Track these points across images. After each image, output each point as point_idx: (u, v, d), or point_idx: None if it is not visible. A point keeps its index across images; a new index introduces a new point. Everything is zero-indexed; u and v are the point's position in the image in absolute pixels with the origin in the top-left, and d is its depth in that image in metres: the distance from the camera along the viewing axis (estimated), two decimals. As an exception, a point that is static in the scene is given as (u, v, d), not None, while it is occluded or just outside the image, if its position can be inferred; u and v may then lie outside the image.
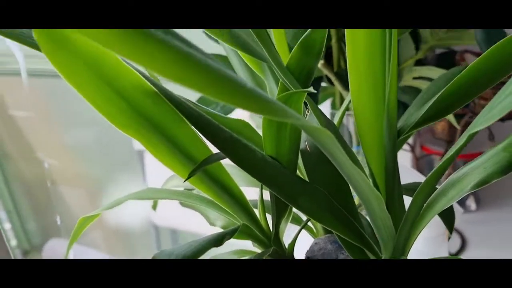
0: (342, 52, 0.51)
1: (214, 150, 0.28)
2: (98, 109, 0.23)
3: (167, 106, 0.25)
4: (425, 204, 0.26)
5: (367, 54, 0.23)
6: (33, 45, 0.22)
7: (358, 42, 0.23)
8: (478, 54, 0.58)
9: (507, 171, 0.26)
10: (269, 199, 0.31)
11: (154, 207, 0.47)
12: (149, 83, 0.24)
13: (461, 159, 0.71)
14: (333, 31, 0.50)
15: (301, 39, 0.30)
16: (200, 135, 0.27)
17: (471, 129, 0.22)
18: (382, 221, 0.26)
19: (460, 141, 0.22)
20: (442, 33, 0.46)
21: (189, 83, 0.17)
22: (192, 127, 0.27)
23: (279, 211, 0.30)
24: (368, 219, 0.27)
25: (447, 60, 0.54)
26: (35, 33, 0.18)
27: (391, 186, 0.26)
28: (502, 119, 0.58)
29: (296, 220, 0.36)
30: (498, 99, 0.22)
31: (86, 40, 0.20)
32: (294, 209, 0.32)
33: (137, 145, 1.18)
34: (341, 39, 0.51)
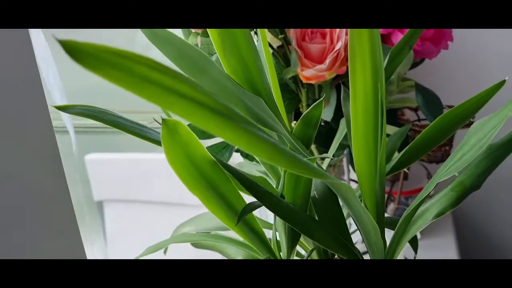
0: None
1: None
2: (178, 175, 0.32)
3: (221, 170, 0.35)
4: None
5: (364, 130, 0.34)
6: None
7: (357, 123, 0.34)
8: (414, 109, 0.72)
9: (456, 204, 0.38)
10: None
11: (165, 251, 0.54)
12: (211, 155, 0.33)
13: (404, 195, 0.84)
14: (303, 98, 0.61)
15: (302, 115, 0.41)
16: (239, 191, 0.37)
17: (437, 179, 0.33)
18: (376, 246, 0.36)
19: (429, 187, 0.33)
20: (392, 98, 0.59)
21: (268, 158, 0.27)
22: (234, 184, 0.36)
23: (293, 241, 0.40)
24: (365, 244, 0.37)
25: (391, 115, 0.67)
26: (163, 124, 0.27)
27: (381, 219, 0.37)
28: (437, 162, 0.71)
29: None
30: (452, 160, 0.33)
31: (187, 130, 0.29)
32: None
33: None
34: (309, 105, 0.62)
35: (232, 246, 0.44)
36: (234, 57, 0.38)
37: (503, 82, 0.37)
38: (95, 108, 0.32)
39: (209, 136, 0.51)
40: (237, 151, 0.61)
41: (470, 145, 0.32)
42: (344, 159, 0.70)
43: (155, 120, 0.35)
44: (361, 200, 0.38)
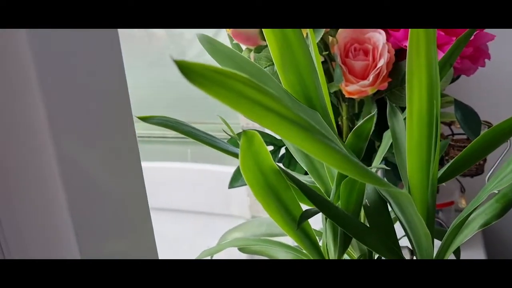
0: (350, 128, 0.65)
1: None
2: (248, 182, 0.35)
3: (283, 179, 0.37)
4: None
5: (418, 142, 0.36)
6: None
7: (412, 136, 0.36)
8: (448, 124, 0.74)
9: (501, 215, 0.40)
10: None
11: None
12: (275, 165, 0.36)
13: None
14: (344, 112, 0.64)
15: (354, 128, 0.43)
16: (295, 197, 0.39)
17: (488, 191, 0.35)
18: (426, 252, 0.38)
19: (480, 198, 0.36)
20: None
21: (340, 167, 0.29)
22: (293, 192, 0.39)
23: (344, 247, 0.42)
24: (414, 250, 0.40)
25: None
26: (243, 134, 0.30)
27: (431, 228, 0.39)
28: (471, 175, 0.73)
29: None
30: (504, 172, 0.35)
31: (260, 140, 0.32)
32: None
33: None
34: (348, 119, 0.65)
35: (282, 250, 0.46)
36: (292, 72, 0.41)
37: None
38: (172, 119, 0.35)
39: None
40: (280, 161, 0.64)
41: (521, 159, 0.34)
42: (380, 172, 0.72)
43: (224, 132, 0.37)
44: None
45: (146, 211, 0.36)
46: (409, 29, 0.34)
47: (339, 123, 0.67)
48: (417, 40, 0.34)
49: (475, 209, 0.41)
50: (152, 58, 0.81)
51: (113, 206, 0.35)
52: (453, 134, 0.74)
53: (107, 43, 0.32)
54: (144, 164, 1.15)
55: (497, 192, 0.41)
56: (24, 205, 0.33)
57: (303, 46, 0.40)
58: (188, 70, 0.23)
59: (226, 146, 0.36)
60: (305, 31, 0.52)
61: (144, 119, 0.34)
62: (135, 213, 0.36)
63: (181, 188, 1.07)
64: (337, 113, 0.66)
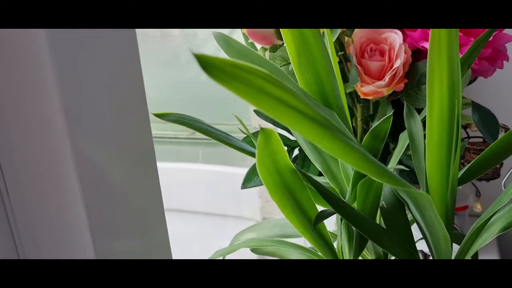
0: (364, 130, 0.64)
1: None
2: (264, 181, 0.34)
3: (299, 178, 0.37)
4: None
5: (438, 143, 0.36)
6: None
7: (432, 136, 0.36)
8: (464, 127, 0.73)
9: (522, 219, 0.39)
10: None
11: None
12: (292, 164, 0.36)
13: (449, 212, 0.84)
14: (358, 113, 0.63)
15: (371, 128, 0.43)
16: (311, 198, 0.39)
17: (510, 195, 0.34)
18: (445, 255, 0.37)
19: (501, 201, 0.35)
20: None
21: (358, 166, 0.29)
22: (309, 192, 0.38)
23: (361, 248, 0.42)
24: (432, 253, 0.39)
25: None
26: (261, 132, 0.30)
27: (450, 230, 0.38)
28: (487, 179, 0.72)
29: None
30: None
31: (277, 139, 0.32)
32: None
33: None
34: (363, 120, 0.64)
35: (296, 251, 0.46)
36: (309, 71, 0.41)
37: None
38: (187, 117, 0.35)
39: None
40: (293, 161, 0.63)
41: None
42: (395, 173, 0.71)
43: (240, 130, 0.37)
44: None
45: (161, 212, 0.36)
46: (430, 29, 0.33)
47: (353, 124, 0.66)
48: (439, 39, 0.33)
49: (494, 213, 0.40)
50: (166, 58, 0.80)
51: (129, 206, 0.34)
52: (468, 137, 0.73)
53: (125, 42, 0.32)
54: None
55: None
56: (39, 205, 0.33)
57: (321, 46, 0.40)
58: (208, 64, 0.23)
59: (242, 145, 0.36)
60: (322, 30, 0.51)
61: (160, 116, 0.33)
62: (150, 213, 0.36)
63: (192, 189, 1.06)
64: (351, 114, 0.65)
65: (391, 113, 0.41)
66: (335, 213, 0.38)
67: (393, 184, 0.31)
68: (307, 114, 0.26)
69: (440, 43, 0.33)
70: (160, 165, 1.16)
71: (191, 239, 1.06)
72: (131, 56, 0.32)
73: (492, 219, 0.41)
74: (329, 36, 0.45)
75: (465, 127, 0.72)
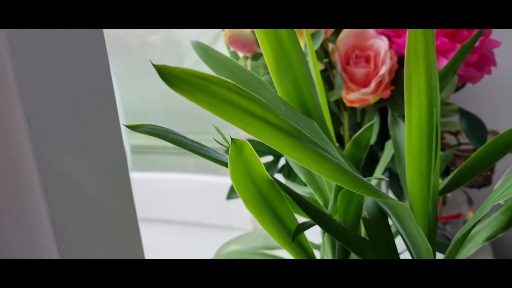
0: (351, 137, 0.64)
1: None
2: (239, 192, 0.34)
3: (277, 190, 0.36)
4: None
5: (418, 153, 0.35)
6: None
7: (411, 146, 0.35)
8: (454, 134, 0.72)
9: (507, 228, 0.38)
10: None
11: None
12: (268, 175, 0.35)
13: (442, 221, 0.83)
14: (345, 121, 0.62)
15: (353, 137, 0.42)
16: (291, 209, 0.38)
17: (492, 202, 0.33)
18: (428, 267, 0.36)
19: (483, 210, 0.34)
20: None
21: (333, 177, 0.28)
22: (288, 204, 0.37)
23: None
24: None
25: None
26: (232, 142, 0.29)
27: (433, 241, 0.37)
28: (478, 187, 0.71)
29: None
30: (508, 183, 0.34)
31: (251, 150, 0.31)
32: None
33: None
34: (351, 128, 0.63)
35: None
36: (287, 80, 0.40)
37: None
38: (161, 128, 0.34)
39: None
40: (279, 172, 0.62)
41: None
42: (384, 183, 0.71)
43: (215, 140, 0.36)
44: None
45: (134, 221, 0.35)
46: (407, 36, 0.33)
47: (341, 133, 0.65)
48: (415, 46, 0.33)
49: (478, 221, 0.39)
50: (149, 67, 0.80)
51: (98, 216, 0.33)
52: (459, 144, 0.72)
53: (91, 45, 0.31)
54: (145, 175, 1.14)
55: (502, 203, 0.39)
56: (1, 216, 0.32)
57: (299, 54, 0.39)
58: (169, 75, 0.22)
59: (217, 156, 0.35)
60: (303, 39, 0.51)
61: (132, 127, 0.32)
62: (122, 223, 0.35)
63: (182, 199, 1.05)
64: (338, 123, 0.64)
65: (373, 122, 0.40)
66: (315, 225, 0.37)
67: (370, 195, 0.30)
68: (276, 125, 0.25)
69: (416, 50, 0.33)
70: (150, 175, 1.14)
71: (179, 250, 1.05)
72: (99, 60, 0.31)
73: (477, 228, 0.40)
74: (310, 43, 0.45)
75: (455, 134, 0.72)
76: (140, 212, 1.16)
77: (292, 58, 0.39)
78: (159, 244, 1.19)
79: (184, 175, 1.02)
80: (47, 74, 0.29)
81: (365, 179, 0.30)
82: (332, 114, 0.63)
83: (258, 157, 0.32)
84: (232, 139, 0.29)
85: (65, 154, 0.31)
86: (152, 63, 0.21)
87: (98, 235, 0.34)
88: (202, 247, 1.05)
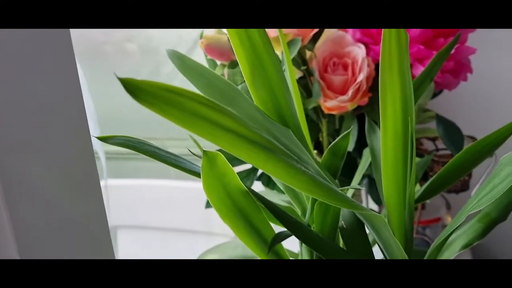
0: (330, 144, 0.63)
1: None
2: (213, 204, 0.33)
3: (253, 200, 0.35)
4: (431, 262, 0.37)
5: (393, 161, 0.35)
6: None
7: (387, 154, 0.35)
8: (432, 139, 0.73)
9: (483, 236, 0.38)
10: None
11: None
12: (243, 186, 0.34)
13: (421, 225, 0.83)
14: (324, 128, 0.62)
15: (330, 146, 0.42)
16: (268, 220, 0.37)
17: (467, 211, 0.33)
18: (405, 276, 0.36)
19: (459, 219, 0.34)
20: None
21: (306, 189, 0.27)
22: (264, 214, 0.37)
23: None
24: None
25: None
26: (204, 155, 0.28)
27: (410, 250, 0.37)
28: (456, 192, 0.71)
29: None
30: (483, 191, 0.34)
31: (224, 161, 0.30)
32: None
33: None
34: (330, 135, 0.63)
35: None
36: (263, 89, 0.39)
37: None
38: (134, 139, 0.33)
39: (235, 164, 0.52)
40: (259, 179, 0.62)
41: (501, 178, 0.32)
42: (363, 189, 0.71)
43: (190, 151, 0.36)
44: (389, 231, 0.38)
45: (105, 229, 0.34)
46: (381, 44, 0.33)
47: (320, 139, 0.65)
48: (389, 54, 0.33)
49: (455, 229, 0.39)
50: (126, 75, 0.78)
51: (64, 224, 0.33)
52: (437, 150, 0.72)
53: (57, 47, 0.30)
54: (126, 182, 1.12)
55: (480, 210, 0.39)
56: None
57: (275, 62, 0.39)
58: (135, 88, 0.21)
59: (192, 167, 0.34)
60: (280, 48, 0.50)
61: (104, 139, 0.32)
62: (92, 231, 0.34)
63: (163, 206, 1.04)
64: (317, 130, 0.64)
65: (349, 130, 0.40)
66: (292, 235, 0.37)
67: (344, 207, 0.30)
68: (248, 138, 0.25)
69: (391, 58, 0.33)
70: (131, 182, 1.13)
71: (160, 257, 1.04)
72: (66, 67, 0.31)
73: (454, 235, 0.40)
74: (286, 51, 0.44)
75: (433, 139, 0.72)
76: (120, 219, 1.15)
77: (267, 67, 0.39)
78: (139, 250, 1.18)
79: (165, 181, 1.02)
80: (9, 77, 0.29)
81: (339, 190, 0.30)
82: (311, 121, 0.63)
83: (232, 168, 0.32)
84: (204, 151, 0.28)
85: (28, 160, 0.30)
86: (116, 76, 0.21)
87: (65, 243, 0.33)
88: (183, 254, 1.04)
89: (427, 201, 0.77)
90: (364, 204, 0.73)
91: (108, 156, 1.05)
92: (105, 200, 0.98)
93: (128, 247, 1.22)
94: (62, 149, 0.31)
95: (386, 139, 0.34)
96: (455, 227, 0.33)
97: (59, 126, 0.31)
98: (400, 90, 0.33)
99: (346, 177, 0.63)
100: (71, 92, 0.31)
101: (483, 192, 0.32)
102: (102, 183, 0.98)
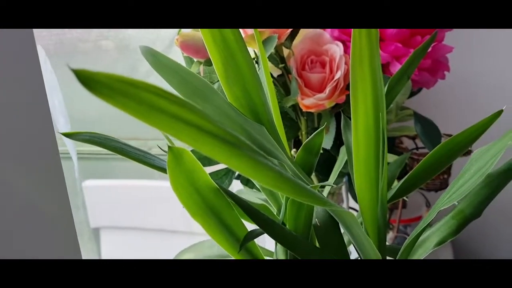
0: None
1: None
2: (182, 202, 0.32)
3: (224, 197, 0.35)
4: (405, 260, 0.37)
5: (365, 159, 0.34)
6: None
7: (359, 152, 0.34)
8: (412, 138, 0.73)
9: (457, 233, 0.38)
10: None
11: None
12: (214, 183, 0.34)
13: (403, 223, 0.84)
14: (303, 125, 0.62)
15: (304, 143, 0.41)
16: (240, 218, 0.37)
17: (438, 208, 0.33)
18: (378, 274, 0.36)
19: (430, 215, 0.34)
20: (390, 127, 0.60)
21: (273, 185, 0.27)
22: (237, 212, 0.36)
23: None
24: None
25: (389, 144, 0.68)
26: (169, 151, 0.28)
27: (383, 247, 0.37)
28: (436, 190, 0.72)
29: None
30: (453, 188, 0.33)
31: (192, 158, 0.30)
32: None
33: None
34: (309, 132, 0.63)
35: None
36: (237, 86, 0.39)
37: (501, 112, 0.38)
38: (101, 135, 0.32)
39: (212, 163, 0.52)
40: (237, 178, 0.61)
41: (471, 174, 0.32)
42: (343, 187, 0.70)
43: (159, 147, 0.35)
44: (362, 228, 0.38)
45: (72, 231, 0.34)
46: (351, 41, 0.32)
47: (300, 137, 0.65)
48: (360, 50, 0.32)
49: (429, 226, 0.39)
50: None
51: (31, 227, 0.32)
52: (417, 148, 0.73)
53: (20, 46, 0.30)
54: (106, 182, 1.11)
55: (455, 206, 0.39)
56: None
57: (248, 60, 0.38)
58: (90, 80, 0.21)
59: (161, 163, 0.34)
60: (255, 47, 0.50)
61: (68, 135, 0.31)
62: (57, 231, 0.33)
63: (142, 206, 1.04)
64: (296, 128, 0.64)
65: (323, 127, 0.40)
66: (264, 233, 0.36)
67: (314, 203, 0.30)
68: (211, 132, 0.24)
69: (361, 53, 0.32)
70: (111, 182, 1.12)
71: (140, 257, 1.03)
72: (29, 65, 0.30)
73: (427, 233, 0.40)
74: (262, 49, 0.44)
75: (413, 138, 0.72)
76: (103, 220, 1.13)
77: (240, 64, 0.38)
78: (123, 251, 1.17)
79: (144, 181, 1.01)
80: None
81: (309, 186, 0.29)
82: (290, 119, 0.63)
83: (201, 164, 0.31)
84: (169, 147, 0.28)
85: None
86: (69, 67, 0.20)
87: (29, 242, 0.32)
88: (163, 253, 1.03)
89: (406, 199, 0.77)
90: (345, 202, 0.73)
91: (87, 157, 1.04)
92: (86, 200, 0.97)
93: (111, 247, 1.21)
94: (25, 148, 0.31)
95: (357, 136, 0.34)
96: (427, 223, 0.33)
97: (22, 124, 0.30)
98: (371, 86, 0.33)
99: (325, 175, 0.63)
100: (34, 91, 0.30)
101: (454, 188, 0.32)
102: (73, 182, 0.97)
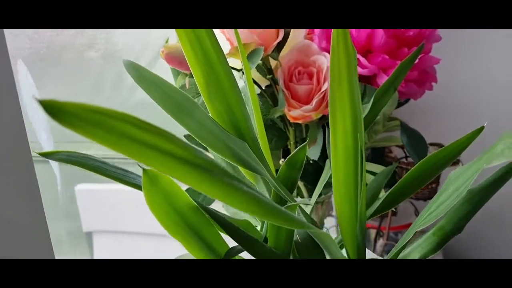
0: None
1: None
2: (160, 221, 0.32)
3: (203, 215, 0.35)
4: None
5: (345, 177, 0.34)
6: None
7: (338, 170, 0.34)
8: (401, 147, 0.73)
9: (438, 249, 0.38)
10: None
11: None
12: (193, 201, 0.34)
13: (393, 231, 0.84)
14: (291, 136, 0.62)
15: (287, 158, 0.41)
16: (221, 234, 0.37)
17: (414, 229, 0.33)
18: (358, 291, 0.36)
19: (408, 235, 0.34)
20: (378, 137, 0.60)
21: (246, 209, 0.27)
22: (216, 229, 0.36)
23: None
24: None
25: (377, 154, 0.68)
26: (144, 174, 0.28)
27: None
28: (424, 199, 0.72)
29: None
30: (431, 208, 0.34)
31: (168, 179, 0.30)
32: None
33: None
34: (297, 143, 0.63)
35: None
36: (218, 100, 0.39)
37: (482, 128, 0.38)
38: (78, 154, 0.33)
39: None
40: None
41: (447, 194, 0.32)
42: (333, 196, 0.71)
43: (139, 165, 0.35)
44: (342, 245, 0.38)
45: (46, 237, 0.34)
46: (330, 57, 0.32)
47: (289, 147, 0.65)
48: (338, 67, 0.32)
49: (411, 242, 0.39)
50: (87, 84, 0.77)
51: (8, 234, 0.32)
52: (406, 157, 0.73)
53: None
54: (99, 186, 1.11)
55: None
56: None
57: (230, 75, 0.38)
58: (57, 110, 0.21)
59: (140, 181, 0.34)
60: (238, 59, 0.50)
61: (45, 155, 0.31)
62: (31, 238, 0.33)
63: (136, 210, 1.04)
64: (285, 138, 0.64)
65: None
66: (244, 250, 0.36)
67: (290, 226, 0.30)
68: (183, 158, 0.25)
69: (340, 71, 0.32)
70: (103, 186, 1.12)
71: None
72: (6, 82, 0.30)
73: (409, 249, 0.40)
74: (246, 63, 0.44)
75: (402, 147, 0.72)
76: (96, 224, 1.13)
77: (222, 80, 0.38)
78: (112, 255, 1.17)
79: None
80: None
81: (283, 208, 0.29)
82: (279, 129, 0.63)
83: (178, 184, 0.31)
84: (143, 170, 0.28)
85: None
86: (36, 98, 0.20)
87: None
88: (156, 257, 1.03)
89: (393, 210, 0.77)
90: (334, 211, 0.73)
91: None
92: (78, 205, 0.96)
93: (104, 252, 1.21)
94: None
95: (336, 156, 0.34)
96: (404, 243, 0.33)
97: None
98: (350, 105, 0.33)
99: (314, 185, 0.63)
100: (6, 98, 0.30)
101: (430, 209, 0.32)
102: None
